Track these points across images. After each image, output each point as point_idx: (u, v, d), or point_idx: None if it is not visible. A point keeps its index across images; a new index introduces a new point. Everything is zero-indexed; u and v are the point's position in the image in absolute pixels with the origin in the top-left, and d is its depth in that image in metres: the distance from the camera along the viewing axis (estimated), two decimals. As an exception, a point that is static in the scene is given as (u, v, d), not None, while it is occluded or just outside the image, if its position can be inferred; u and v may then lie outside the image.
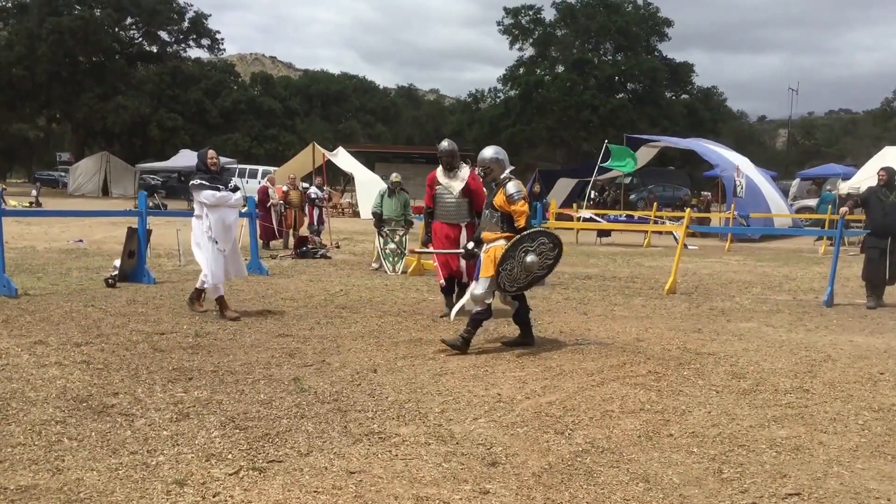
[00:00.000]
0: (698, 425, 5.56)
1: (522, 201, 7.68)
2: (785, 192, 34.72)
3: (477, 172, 8.83)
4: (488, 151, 8.01)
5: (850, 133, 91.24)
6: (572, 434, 5.31)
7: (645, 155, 34.15)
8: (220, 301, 9.27)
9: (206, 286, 9.35)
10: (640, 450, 5.04)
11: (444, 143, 10.21)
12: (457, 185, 9.90)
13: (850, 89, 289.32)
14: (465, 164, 10.07)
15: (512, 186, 7.70)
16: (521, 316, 8.04)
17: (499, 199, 7.76)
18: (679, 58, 67.58)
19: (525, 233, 7.60)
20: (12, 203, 29.47)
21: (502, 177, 7.85)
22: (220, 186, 9.35)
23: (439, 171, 10.07)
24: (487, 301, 7.72)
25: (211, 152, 9.52)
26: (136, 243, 11.78)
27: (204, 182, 9.28)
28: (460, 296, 9.60)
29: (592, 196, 30.09)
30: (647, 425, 5.52)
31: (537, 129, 62.06)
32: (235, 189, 9.60)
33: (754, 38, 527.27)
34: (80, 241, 17.50)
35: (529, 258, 7.57)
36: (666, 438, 5.27)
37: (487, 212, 7.97)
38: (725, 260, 18.94)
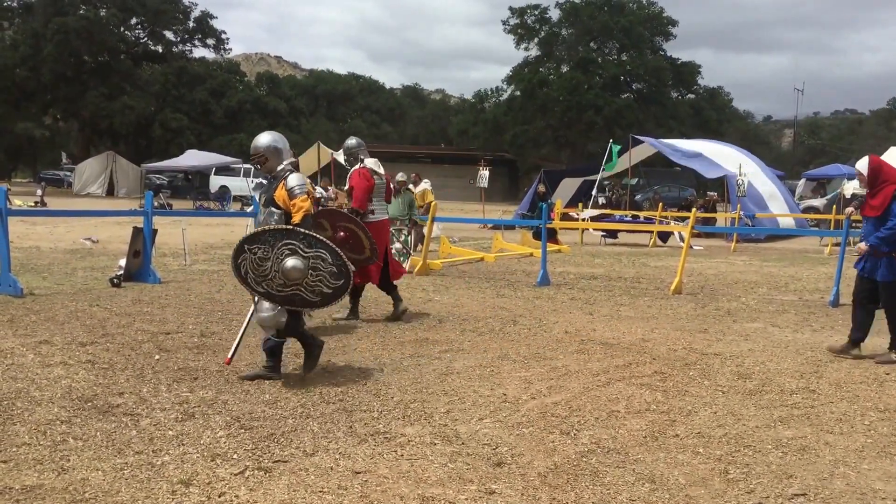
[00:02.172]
0: (704, 426, 5.55)
1: (305, 196, 6.54)
2: (791, 192, 34.64)
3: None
4: (262, 138, 6.89)
5: (856, 133, 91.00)
6: (578, 434, 5.30)
7: (646, 150, 34.12)
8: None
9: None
10: (646, 450, 5.03)
11: (349, 141, 9.85)
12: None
13: (856, 90, 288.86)
14: (359, 162, 9.58)
15: (293, 179, 6.60)
16: (272, 342, 6.60)
17: (280, 195, 6.63)
18: (685, 57, 67.83)
19: (300, 228, 6.33)
20: (17, 202, 29.44)
21: (279, 168, 6.72)
22: None
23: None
24: (281, 320, 6.50)
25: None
26: (142, 243, 11.78)
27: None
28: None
29: (601, 202, 30.10)
30: (653, 426, 5.51)
31: (541, 129, 62.09)
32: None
33: (760, 39, 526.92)
34: (90, 239, 17.50)
35: (291, 262, 6.17)
36: (672, 439, 5.26)
37: (267, 210, 6.78)
38: (731, 260, 18.91)
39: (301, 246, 6.20)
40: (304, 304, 6.42)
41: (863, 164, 7.99)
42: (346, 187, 9.51)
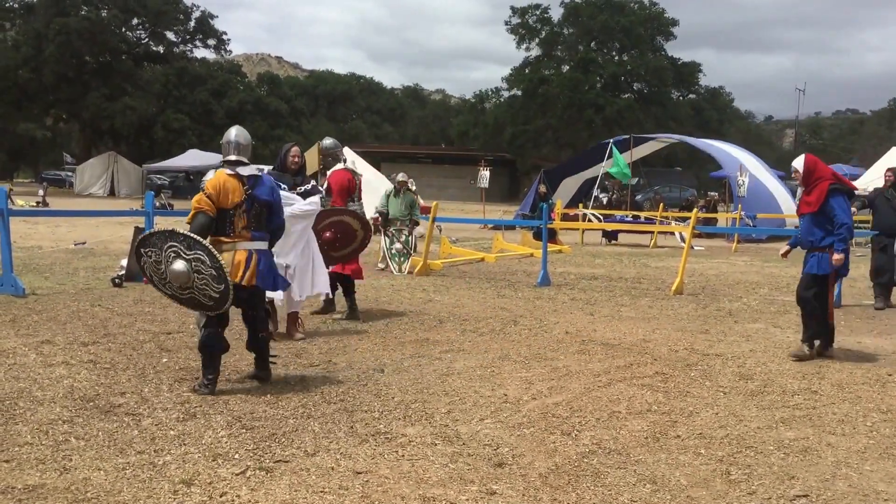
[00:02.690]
0: (706, 427, 5.54)
1: (199, 194, 6.19)
2: (792, 193, 34.59)
3: None
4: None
5: (857, 133, 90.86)
6: (579, 435, 5.30)
7: (650, 147, 34.08)
8: (289, 318, 8.22)
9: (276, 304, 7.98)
10: (648, 451, 5.03)
11: (326, 141, 10.07)
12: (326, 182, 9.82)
13: (858, 89, 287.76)
14: (340, 162, 9.87)
15: (207, 175, 6.31)
16: (252, 343, 6.45)
17: None
18: (688, 57, 67.87)
19: (185, 231, 5.93)
20: (20, 203, 29.50)
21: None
22: (284, 186, 7.73)
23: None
24: (200, 322, 6.27)
25: (295, 149, 8.17)
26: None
27: None
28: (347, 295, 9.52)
29: (603, 201, 30.02)
30: (655, 426, 5.51)
31: (541, 129, 62.08)
32: (307, 193, 8.07)
33: (762, 38, 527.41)
34: (83, 243, 17.46)
35: (176, 265, 5.83)
36: (673, 440, 5.26)
37: None
38: (732, 261, 18.90)
39: (182, 248, 5.87)
40: (203, 308, 6.05)
41: (798, 162, 8.16)
42: (324, 186, 9.59)
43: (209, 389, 5.99)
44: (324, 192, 9.45)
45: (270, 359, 6.50)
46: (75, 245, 16.83)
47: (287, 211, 7.12)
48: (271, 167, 8.53)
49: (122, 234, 18.06)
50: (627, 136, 32.41)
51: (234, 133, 6.45)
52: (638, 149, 32.25)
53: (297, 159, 8.10)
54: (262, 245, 6.31)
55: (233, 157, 6.31)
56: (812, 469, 4.80)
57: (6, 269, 10.17)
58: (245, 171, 6.27)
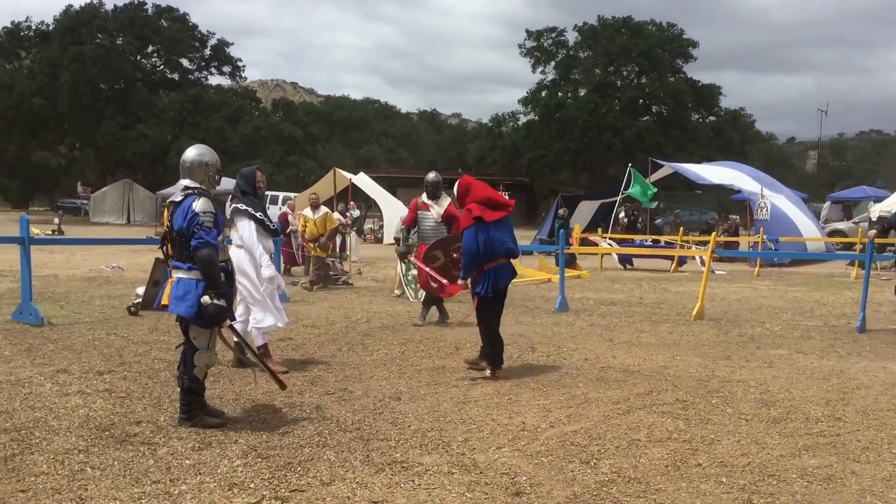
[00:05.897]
0: (727, 455, 5.45)
1: None
2: (816, 215, 34.36)
3: None
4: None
5: (882, 155, 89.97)
6: (598, 463, 5.22)
7: (664, 171, 33.98)
8: (265, 349, 7.88)
9: (263, 329, 7.83)
10: (668, 480, 4.94)
11: (431, 175, 11.63)
12: (438, 211, 11.24)
13: (882, 110, 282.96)
14: (445, 194, 11.32)
15: None
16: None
17: None
18: (710, 79, 68.17)
19: None
20: (35, 231, 29.61)
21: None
22: (251, 210, 7.79)
23: (424, 198, 11.43)
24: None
25: (259, 173, 8.04)
26: (162, 273, 11.78)
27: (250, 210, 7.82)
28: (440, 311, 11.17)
29: (623, 221, 29.80)
30: (675, 454, 5.42)
31: (559, 153, 62.06)
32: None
33: (786, 59, 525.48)
34: (117, 266, 17.60)
35: None
36: (694, 468, 5.17)
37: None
38: (754, 285, 18.72)
39: None
40: None
41: (456, 185, 8.29)
42: (441, 213, 11.22)
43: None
44: (439, 218, 11.19)
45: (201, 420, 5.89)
46: (108, 267, 16.97)
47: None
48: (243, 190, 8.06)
49: (137, 262, 18.17)
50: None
51: (184, 155, 6.10)
52: (655, 173, 32.07)
53: (261, 184, 8.06)
54: (181, 273, 5.88)
55: (182, 182, 6.01)
56: (836, 497, 4.70)
57: (25, 298, 10.21)
58: (176, 197, 5.96)
